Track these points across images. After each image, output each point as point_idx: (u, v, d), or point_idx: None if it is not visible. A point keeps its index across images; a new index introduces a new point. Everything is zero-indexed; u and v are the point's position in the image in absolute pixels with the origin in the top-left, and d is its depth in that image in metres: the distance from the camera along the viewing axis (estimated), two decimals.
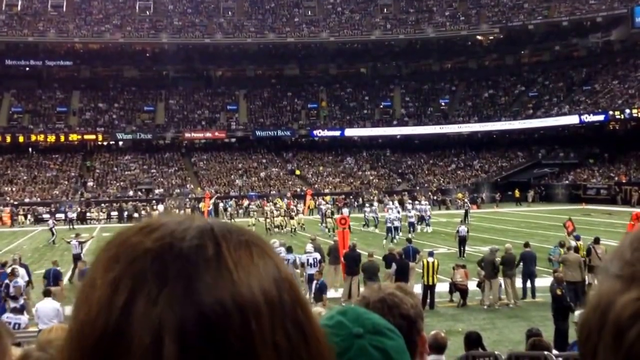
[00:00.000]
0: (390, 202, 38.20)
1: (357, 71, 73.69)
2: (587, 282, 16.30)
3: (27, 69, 67.51)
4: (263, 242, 0.70)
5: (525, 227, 34.69)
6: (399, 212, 32.64)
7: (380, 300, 1.64)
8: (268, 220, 36.70)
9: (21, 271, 16.54)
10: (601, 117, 54.53)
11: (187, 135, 63.87)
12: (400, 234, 30.22)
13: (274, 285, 0.66)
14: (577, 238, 19.59)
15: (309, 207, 46.05)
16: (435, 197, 47.24)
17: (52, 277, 16.90)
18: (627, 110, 51.29)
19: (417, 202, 37.66)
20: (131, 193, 54.77)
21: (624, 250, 0.71)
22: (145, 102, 67.90)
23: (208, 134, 64.34)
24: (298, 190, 54.40)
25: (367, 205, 40.25)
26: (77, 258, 21.53)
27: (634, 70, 58.48)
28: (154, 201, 51.38)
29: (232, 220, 37.81)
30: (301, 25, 69.59)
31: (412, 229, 31.14)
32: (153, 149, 63.67)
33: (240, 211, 44.73)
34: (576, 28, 63.84)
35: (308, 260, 17.62)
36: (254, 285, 0.65)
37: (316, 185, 57.20)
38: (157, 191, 55.49)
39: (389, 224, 30.21)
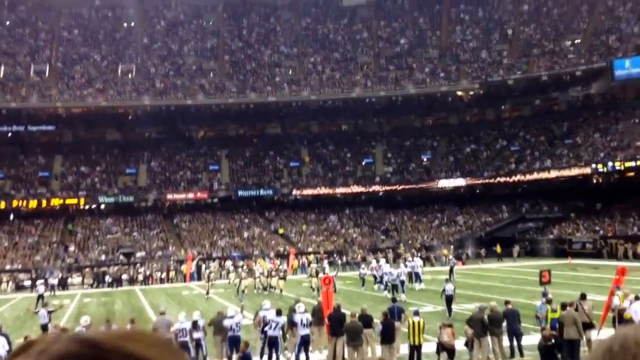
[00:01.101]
0: (383, 260, 38.00)
1: (339, 129, 74.13)
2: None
3: (10, 134, 67.25)
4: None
5: (512, 283, 34.37)
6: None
7: None
8: (249, 280, 36.11)
9: (1, 340, 15.98)
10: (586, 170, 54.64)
11: (169, 196, 63.48)
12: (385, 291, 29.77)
13: None
14: (544, 294, 19.45)
15: (292, 267, 45.57)
16: (419, 254, 46.86)
17: None
18: (610, 163, 51.54)
19: (409, 259, 37.40)
20: (108, 257, 53.98)
21: None
22: (128, 164, 67.64)
23: (190, 195, 64.01)
24: (281, 249, 53.97)
25: (362, 264, 39.67)
26: (44, 328, 20.92)
27: (615, 123, 59.09)
28: (137, 264, 50.76)
29: (212, 282, 37.12)
30: (282, 84, 70.14)
31: (401, 288, 30.64)
32: (135, 212, 63.12)
33: (224, 272, 44.01)
34: (556, 82, 64.65)
35: (302, 320, 17.23)
36: None
37: (299, 244, 56.79)
38: (138, 254, 54.75)
39: (394, 279, 30.02)
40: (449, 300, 23.90)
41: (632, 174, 51.75)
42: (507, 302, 17.79)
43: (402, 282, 30.84)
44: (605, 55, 61.66)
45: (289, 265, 44.79)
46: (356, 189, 65.13)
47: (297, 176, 67.70)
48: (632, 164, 49.26)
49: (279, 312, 17.94)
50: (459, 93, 69.05)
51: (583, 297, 17.32)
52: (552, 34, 69.40)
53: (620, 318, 16.89)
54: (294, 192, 65.13)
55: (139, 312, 29.79)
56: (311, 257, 49.45)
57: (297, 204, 65.72)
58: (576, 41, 67.03)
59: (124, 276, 47.55)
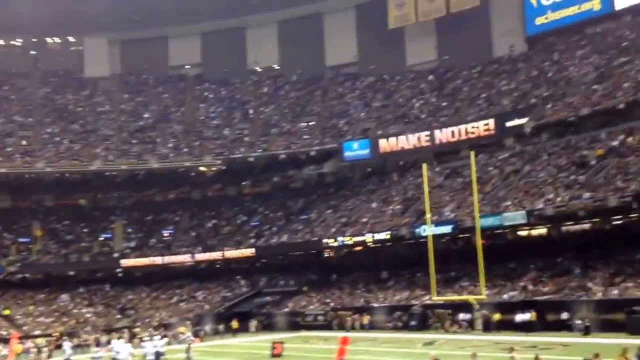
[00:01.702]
0: (120, 340, 36.07)
1: (76, 202, 70.42)
2: None
3: None
4: None
5: (249, 358, 34.70)
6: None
7: None
8: None
9: None
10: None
11: None
12: None
13: None
14: None
15: (15, 352, 41.66)
16: (157, 333, 45.36)
17: None
18: (340, 238, 54.76)
19: (145, 338, 36.20)
20: None
21: None
22: None
23: None
24: (4, 333, 49.13)
25: (95, 347, 37.09)
26: None
27: (345, 200, 63.28)
28: None
29: None
30: (14, 155, 65.45)
31: None
32: None
33: None
34: (293, 161, 68.08)
35: None
36: None
37: (25, 327, 52.17)
38: None
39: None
40: None
41: (359, 248, 55.57)
42: None
43: None
44: (337, 137, 66.63)
45: (10, 351, 40.90)
46: (92, 265, 62.13)
47: (27, 253, 62.83)
48: (359, 238, 52.92)
49: None
50: (202, 168, 69.82)
51: None
52: (289, 116, 73.61)
53: None
54: (22, 270, 60.33)
55: None
56: (39, 340, 45.80)
57: (26, 282, 60.74)
58: (310, 123, 71.76)
59: None
